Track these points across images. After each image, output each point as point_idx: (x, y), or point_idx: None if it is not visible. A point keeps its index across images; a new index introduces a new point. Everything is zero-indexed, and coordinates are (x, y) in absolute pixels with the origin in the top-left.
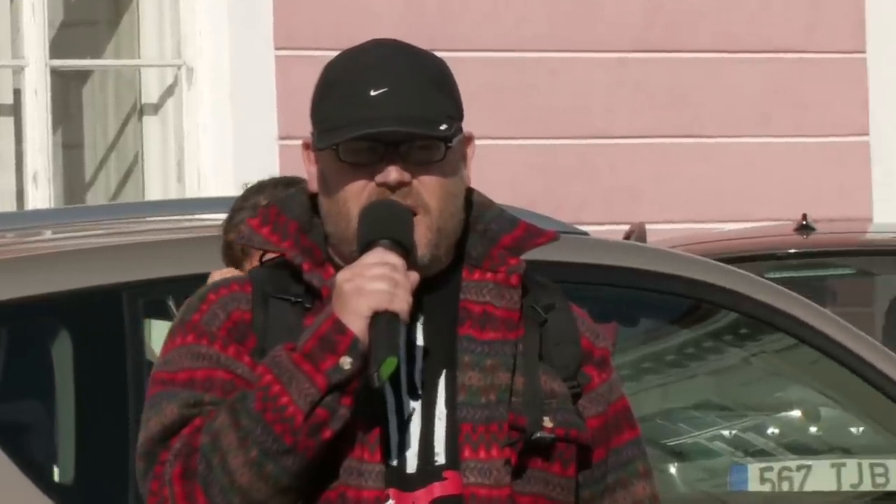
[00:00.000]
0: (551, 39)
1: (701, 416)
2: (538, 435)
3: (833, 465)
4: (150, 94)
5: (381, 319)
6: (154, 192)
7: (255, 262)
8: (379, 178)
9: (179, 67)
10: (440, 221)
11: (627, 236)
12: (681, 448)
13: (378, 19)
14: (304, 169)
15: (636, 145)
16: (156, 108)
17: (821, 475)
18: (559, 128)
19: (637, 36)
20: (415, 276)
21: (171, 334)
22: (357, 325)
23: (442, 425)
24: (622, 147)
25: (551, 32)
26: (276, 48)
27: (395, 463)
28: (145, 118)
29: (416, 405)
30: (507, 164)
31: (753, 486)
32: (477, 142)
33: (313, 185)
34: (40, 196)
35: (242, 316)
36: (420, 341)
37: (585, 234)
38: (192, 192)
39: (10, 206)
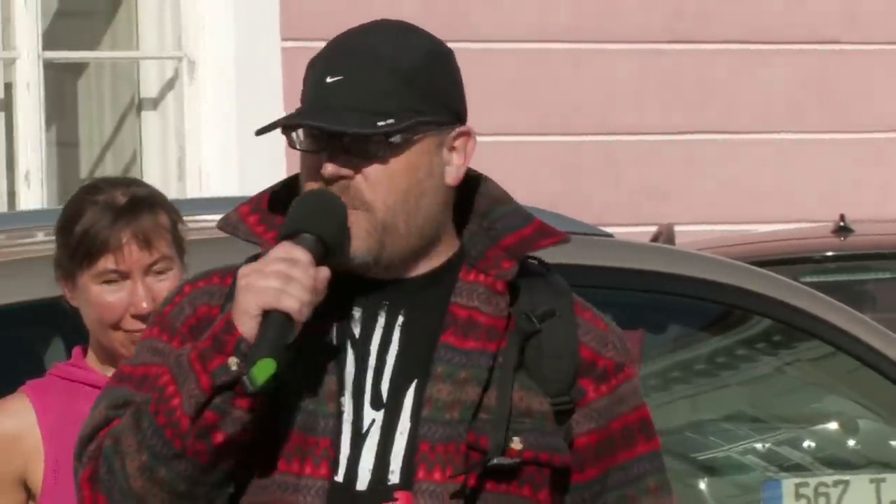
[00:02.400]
0: (575, 30)
1: (732, 428)
2: (495, 461)
3: (872, 481)
4: (150, 88)
5: (269, 319)
6: None
7: (99, 272)
8: (321, 169)
9: (180, 60)
10: (387, 219)
11: (655, 238)
12: (711, 462)
13: (393, 8)
14: None
15: (664, 142)
16: (155, 103)
17: (859, 491)
18: (582, 123)
19: (665, 26)
20: (324, 273)
21: (149, 325)
22: (246, 324)
23: (403, 440)
24: (649, 144)
25: (575, 23)
26: (283, 39)
27: (340, 478)
28: (144, 113)
29: (377, 416)
30: (526, 161)
31: (788, 502)
32: (494, 138)
33: None
34: (33, 196)
35: (210, 311)
36: (395, 345)
37: (610, 235)
38: (193, 192)
39: (1, 206)
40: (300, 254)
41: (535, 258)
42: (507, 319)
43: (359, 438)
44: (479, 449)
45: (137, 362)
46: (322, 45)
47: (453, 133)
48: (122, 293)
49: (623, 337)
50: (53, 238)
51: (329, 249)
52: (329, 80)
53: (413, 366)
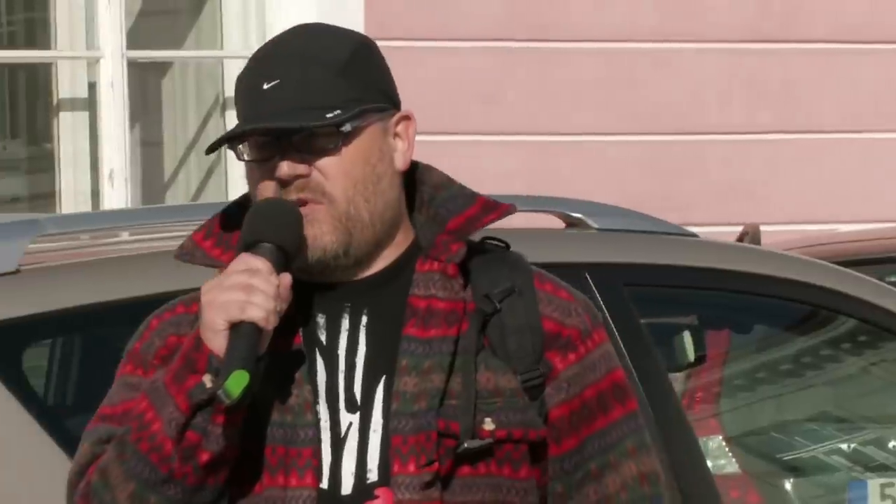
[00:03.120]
0: (661, 30)
1: (818, 428)
2: (466, 445)
3: None
4: (233, 87)
5: (237, 331)
6: (237, 192)
7: None
8: (276, 173)
9: None
10: (349, 209)
11: (740, 238)
12: (796, 463)
13: (476, 8)
14: None
15: (749, 142)
16: None
17: None
18: (667, 123)
19: (751, 26)
20: (286, 279)
21: (119, 365)
22: (214, 340)
23: (377, 438)
24: (734, 143)
25: (661, 23)
26: None
27: (325, 485)
28: (228, 113)
29: (353, 418)
30: (611, 160)
31: (874, 502)
32: (580, 137)
33: None
34: (117, 196)
35: (179, 341)
36: (362, 346)
37: (695, 235)
38: None
39: (85, 206)
40: (259, 263)
41: (496, 239)
42: (464, 302)
43: (338, 443)
44: (450, 435)
45: (115, 401)
46: (407, 44)
47: (395, 118)
48: None
49: (589, 304)
50: (134, 238)
51: (288, 256)
52: (266, 86)
53: (381, 364)
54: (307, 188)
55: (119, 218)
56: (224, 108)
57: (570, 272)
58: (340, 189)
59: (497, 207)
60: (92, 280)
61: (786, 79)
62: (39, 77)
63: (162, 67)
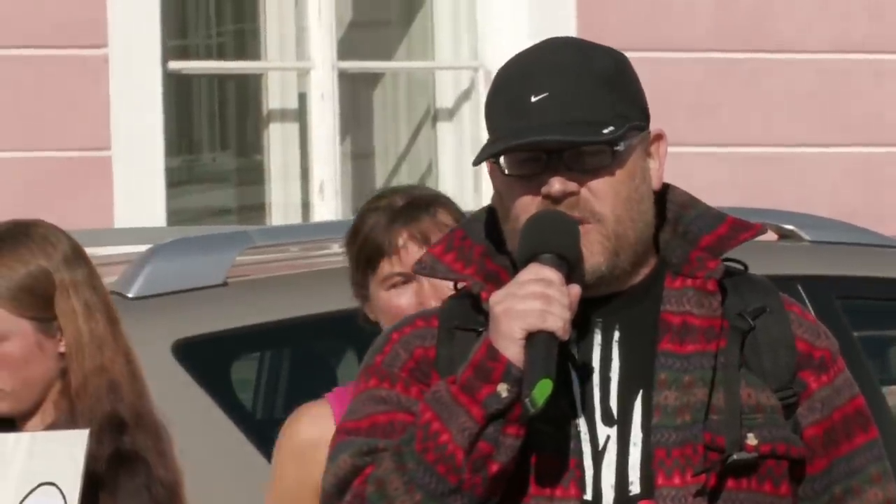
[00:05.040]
0: (876, 41)
1: None
2: (735, 457)
3: None
4: (445, 99)
5: (536, 340)
6: None
7: (384, 277)
8: (543, 189)
9: (476, 70)
10: (618, 229)
11: None
12: None
13: (688, 18)
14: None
15: None
16: (451, 114)
17: None
18: (881, 134)
19: None
20: (576, 290)
21: (357, 380)
22: (511, 349)
23: (638, 451)
24: None
25: (875, 33)
26: None
27: (589, 496)
28: (439, 124)
29: (611, 431)
30: (826, 172)
31: None
32: (794, 149)
33: (496, 202)
34: (327, 208)
35: (426, 353)
36: (616, 360)
37: None
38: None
39: (295, 218)
40: (552, 273)
41: (732, 259)
42: (721, 319)
43: (597, 456)
44: (715, 448)
45: (360, 415)
46: (624, 53)
47: (651, 136)
48: (408, 295)
49: (829, 331)
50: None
51: (570, 269)
52: (533, 98)
53: (636, 378)
54: (577, 207)
55: (328, 230)
56: (435, 119)
57: (782, 284)
58: (610, 209)
59: (750, 227)
60: (299, 293)
61: None
62: (249, 88)
63: (373, 78)
